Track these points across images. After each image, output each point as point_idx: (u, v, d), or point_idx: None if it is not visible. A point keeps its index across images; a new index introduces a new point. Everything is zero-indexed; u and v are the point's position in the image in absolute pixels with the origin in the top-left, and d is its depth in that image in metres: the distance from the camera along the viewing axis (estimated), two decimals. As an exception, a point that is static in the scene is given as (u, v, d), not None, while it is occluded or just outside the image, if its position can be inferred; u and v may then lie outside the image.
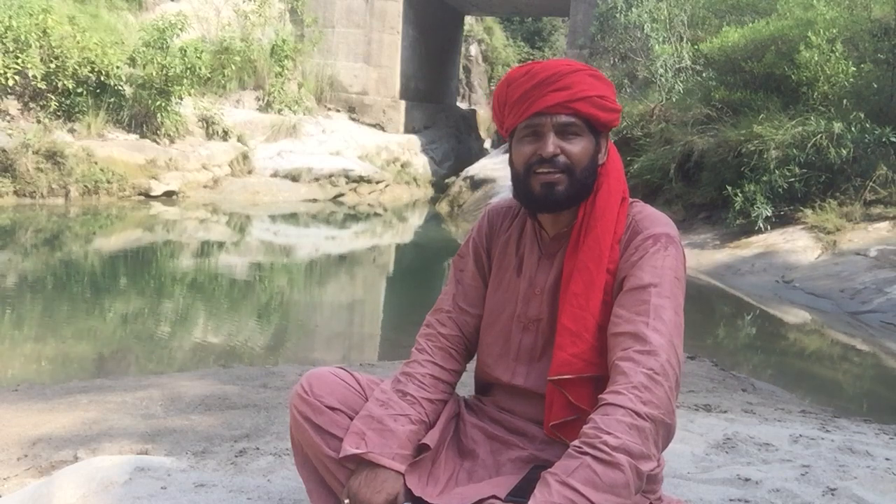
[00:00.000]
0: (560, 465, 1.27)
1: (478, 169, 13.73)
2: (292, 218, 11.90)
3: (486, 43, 26.47)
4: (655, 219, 1.52)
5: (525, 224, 1.64)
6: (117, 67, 11.32)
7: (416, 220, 13.09)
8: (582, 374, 1.44)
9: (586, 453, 1.25)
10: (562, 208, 1.51)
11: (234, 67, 13.88)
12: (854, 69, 8.47)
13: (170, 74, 11.79)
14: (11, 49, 10.29)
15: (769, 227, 7.96)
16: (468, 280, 1.69)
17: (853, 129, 7.74)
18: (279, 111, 14.69)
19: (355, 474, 1.47)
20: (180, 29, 12.36)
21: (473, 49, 26.00)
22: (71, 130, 11.00)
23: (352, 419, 1.54)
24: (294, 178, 13.26)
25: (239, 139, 13.37)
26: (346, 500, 1.45)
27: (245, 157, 13.13)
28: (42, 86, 10.69)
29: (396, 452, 1.47)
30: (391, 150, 15.47)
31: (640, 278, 1.42)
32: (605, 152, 1.54)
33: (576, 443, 1.29)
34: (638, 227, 1.49)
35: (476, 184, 13.18)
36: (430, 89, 18.58)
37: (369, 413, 1.52)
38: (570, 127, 1.47)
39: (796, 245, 7.57)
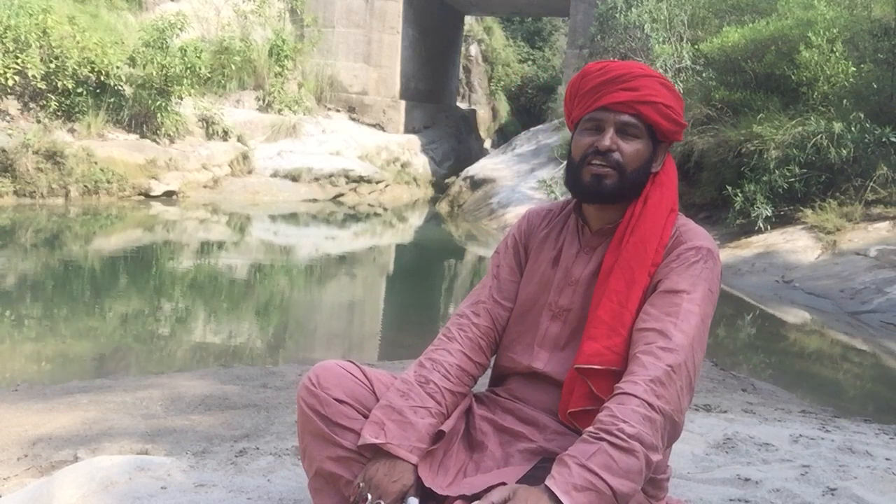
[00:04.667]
0: (577, 448, 1.30)
1: (478, 169, 13.73)
2: (292, 218, 11.90)
3: (486, 43, 26.45)
4: (698, 232, 1.57)
5: (566, 222, 1.69)
6: (117, 67, 11.31)
7: (416, 220, 13.09)
8: (612, 366, 1.47)
9: (603, 439, 1.29)
10: (608, 201, 1.57)
11: (233, 67, 13.88)
12: (854, 69, 8.47)
13: (170, 74, 11.78)
14: (11, 49, 10.29)
15: (769, 227, 7.96)
16: (505, 274, 1.72)
17: (853, 129, 7.74)
18: (279, 111, 14.69)
19: (372, 462, 1.48)
20: (180, 29, 12.36)
21: (473, 49, 25.98)
22: (71, 130, 11.00)
23: (359, 411, 1.55)
24: (294, 178, 13.27)
25: (239, 139, 13.37)
26: (361, 484, 1.46)
27: (245, 157, 13.13)
28: (42, 86, 10.68)
29: (414, 445, 1.49)
30: (391, 150, 15.47)
31: (676, 283, 1.48)
32: (660, 162, 1.59)
33: (591, 429, 1.32)
34: (682, 238, 1.54)
35: (476, 184, 13.17)
36: (430, 89, 18.58)
37: (390, 403, 1.53)
38: (630, 127, 1.52)
39: (796, 245, 7.57)
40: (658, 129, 1.54)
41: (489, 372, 1.76)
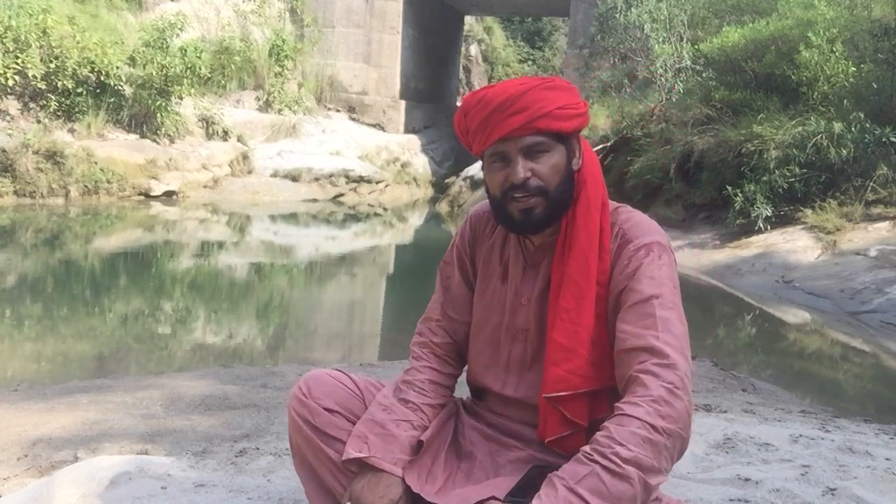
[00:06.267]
0: (568, 469, 1.26)
1: (478, 169, 13.69)
2: (292, 218, 11.90)
3: (486, 43, 26.47)
4: (644, 227, 1.49)
5: (508, 231, 1.61)
6: (117, 67, 11.32)
7: (416, 220, 13.09)
8: (578, 390, 1.44)
9: (596, 462, 1.24)
10: (544, 228, 1.50)
11: (233, 67, 13.88)
12: (854, 69, 8.46)
13: (170, 74, 11.79)
14: (11, 49, 10.29)
15: (769, 227, 7.96)
16: (455, 288, 1.68)
17: (853, 129, 7.74)
18: (279, 111, 14.69)
19: (358, 478, 1.47)
20: (180, 29, 12.36)
21: (473, 49, 25.99)
22: (71, 130, 11.00)
23: (349, 421, 1.54)
24: (294, 178, 13.27)
25: (239, 139, 13.37)
26: (348, 502, 1.45)
27: (245, 157, 13.13)
28: (42, 86, 10.68)
29: (398, 457, 1.48)
30: (391, 150, 15.47)
31: (641, 291, 1.41)
32: (579, 156, 1.51)
33: (586, 449, 1.27)
34: (627, 237, 1.47)
35: (476, 184, 13.17)
36: (430, 89, 18.58)
37: (372, 417, 1.52)
38: (536, 146, 1.44)
39: (796, 245, 7.57)
40: (563, 132, 1.46)
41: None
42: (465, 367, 1.72)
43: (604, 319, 1.45)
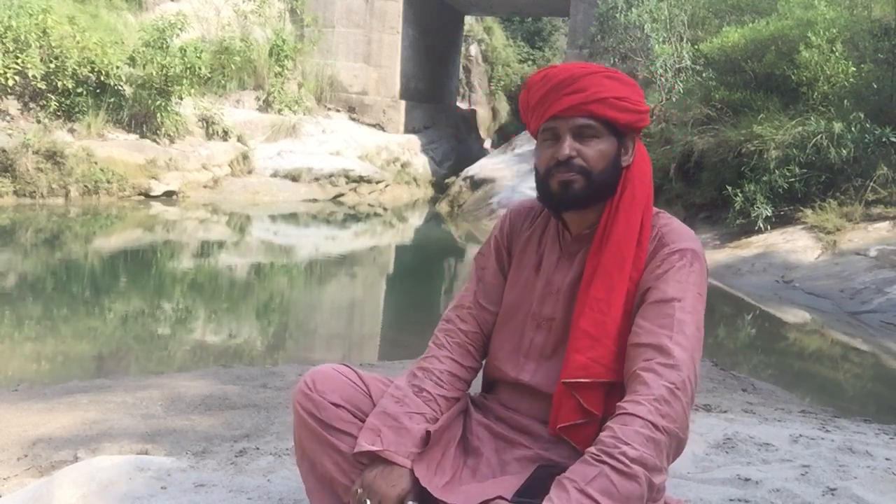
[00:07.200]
0: (577, 470, 1.27)
1: (478, 169, 13.72)
2: (292, 218, 11.90)
3: (486, 43, 26.45)
4: (681, 233, 1.53)
5: (548, 223, 1.65)
6: (117, 67, 11.31)
7: (416, 220, 13.10)
8: (599, 378, 1.45)
9: (605, 462, 1.26)
10: (580, 206, 1.52)
11: (233, 67, 13.87)
12: (854, 69, 8.47)
13: (170, 74, 11.78)
14: (11, 49, 10.28)
15: (769, 227, 7.96)
16: (489, 278, 1.70)
17: (853, 129, 7.74)
18: (279, 111, 14.69)
19: (370, 468, 1.47)
20: (180, 29, 12.36)
21: (473, 49, 25.98)
22: (71, 130, 10.99)
23: (355, 415, 1.54)
24: (294, 178, 13.26)
25: (239, 139, 13.36)
26: (360, 490, 1.45)
27: (245, 157, 13.12)
28: (42, 86, 10.67)
29: (411, 451, 1.48)
30: (391, 150, 15.47)
31: (665, 292, 1.43)
32: (630, 154, 1.54)
33: (593, 450, 1.29)
34: (664, 240, 1.50)
35: (476, 184, 13.17)
36: (430, 89, 18.57)
37: (385, 410, 1.52)
38: (586, 129, 1.49)
39: (796, 245, 7.57)
40: (617, 123, 1.50)
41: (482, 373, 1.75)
42: (484, 360, 1.72)
43: (630, 315, 1.47)
